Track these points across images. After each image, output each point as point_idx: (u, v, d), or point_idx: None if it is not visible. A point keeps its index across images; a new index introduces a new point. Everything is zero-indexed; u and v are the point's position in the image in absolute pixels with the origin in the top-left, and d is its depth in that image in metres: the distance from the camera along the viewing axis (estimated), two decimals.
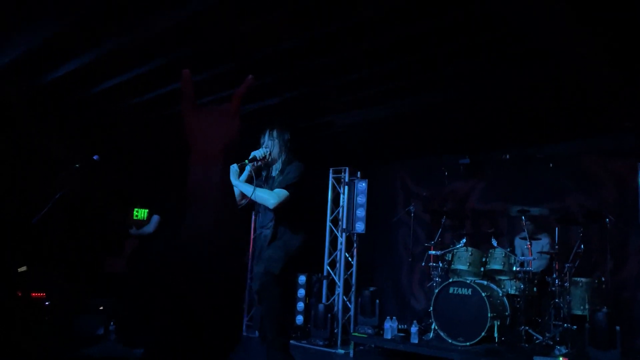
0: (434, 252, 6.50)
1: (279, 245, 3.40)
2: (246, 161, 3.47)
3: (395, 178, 8.61)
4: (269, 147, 3.59)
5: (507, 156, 7.20)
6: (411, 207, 7.29)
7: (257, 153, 3.53)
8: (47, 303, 5.85)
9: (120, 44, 4.64)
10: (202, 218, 0.80)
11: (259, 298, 3.33)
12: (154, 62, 5.05)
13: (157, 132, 7.16)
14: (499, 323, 5.50)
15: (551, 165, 6.16)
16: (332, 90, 5.69)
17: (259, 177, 3.69)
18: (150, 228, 6.10)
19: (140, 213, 8.68)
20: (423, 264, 6.77)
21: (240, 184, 3.50)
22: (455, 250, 6.26)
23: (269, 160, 3.60)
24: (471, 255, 6.10)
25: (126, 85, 5.61)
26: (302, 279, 7.44)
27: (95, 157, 4.95)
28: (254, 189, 3.41)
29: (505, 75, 5.13)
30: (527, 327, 5.57)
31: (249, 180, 3.62)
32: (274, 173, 3.64)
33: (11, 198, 5.62)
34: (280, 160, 3.62)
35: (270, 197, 3.41)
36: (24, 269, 6.32)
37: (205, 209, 0.81)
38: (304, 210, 3.60)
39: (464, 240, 6.38)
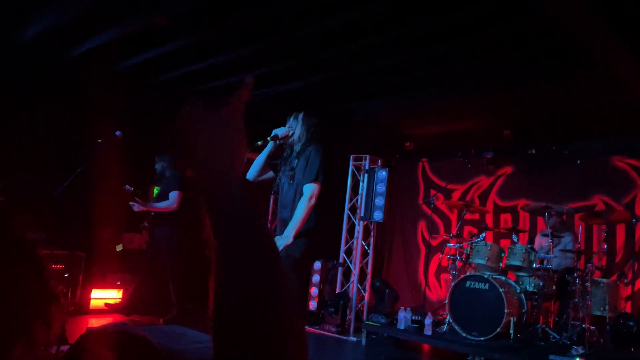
0: (452, 244, 6.42)
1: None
2: (268, 138, 3.47)
3: (416, 168, 8.50)
4: (292, 127, 3.58)
5: (533, 151, 7.04)
6: (431, 198, 7.19)
7: (279, 131, 3.53)
8: (66, 275, 5.95)
9: (141, 24, 4.63)
10: (236, 266, 0.69)
11: None
12: (175, 43, 5.03)
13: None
14: (515, 320, 5.41)
15: (578, 162, 5.99)
16: (356, 76, 5.62)
17: (280, 157, 3.69)
18: (172, 204, 5.96)
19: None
20: (441, 256, 6.69)
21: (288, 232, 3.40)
22: (474, 244, 6.16)
23: (291, 140, 3.60)
24: (490, 249, 6.00)
25: (150, 63, 5.61)
26: (317, 264, 7.43)
27: (117, 133, 4.97)
28: (294, 220, 3.36)
29: (534, 70, 5.00)
30: (543, 326, 5.47)
31: (270, 159, 3.67)
32: (294, 154, 3.62)
33: (33, 172, 5.69)
34: (300, 143, 3.60)
35: (306, 203, 3.38)
36: (120, 247, 6.41)
37: (237, 254, 0.68)
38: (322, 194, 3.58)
39: (484, 234, 6.27)
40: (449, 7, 3.97)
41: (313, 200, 3.40)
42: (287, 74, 5.63)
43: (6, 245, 0.73)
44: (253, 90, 0.87)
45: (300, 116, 3.63)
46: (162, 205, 6.00)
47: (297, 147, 3.61)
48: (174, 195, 5.96)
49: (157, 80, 6.16)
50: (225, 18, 4.48)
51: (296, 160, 3.55)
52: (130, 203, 5.89)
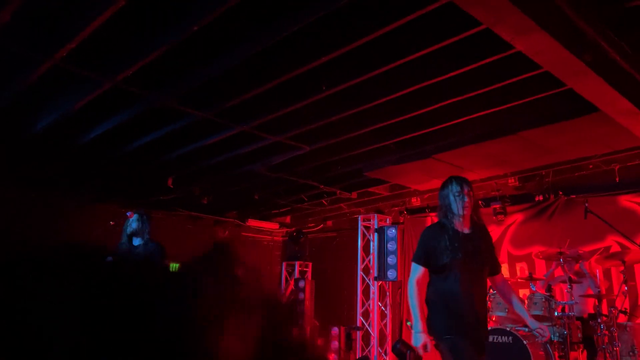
0: None
1: None
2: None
3: (425, 223, 8.48)
4: None
5: (541, 197, 7.06)
6: None
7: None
8: None
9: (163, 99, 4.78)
10: None
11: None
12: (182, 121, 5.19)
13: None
14: None
15: (586, 204, 5.98)
16: (359, 138, 5.73)
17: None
18: None
19: (172, 266, 8.72)
20: None
21: None
22: (492, 297, 6.05)
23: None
24: None
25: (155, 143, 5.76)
26: (335, 330, 7.28)
27: (128, 214, 5.01)
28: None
29: (540, 114, 5.09)
30: None
31: None
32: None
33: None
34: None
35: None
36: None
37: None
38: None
39: None
40: (449, 62, 4.11)
41: (413, 281, 3.42)
42: (292, 139, 5.73)
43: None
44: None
45: None
46: None
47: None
48: None
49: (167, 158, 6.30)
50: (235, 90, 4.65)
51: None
52: None
